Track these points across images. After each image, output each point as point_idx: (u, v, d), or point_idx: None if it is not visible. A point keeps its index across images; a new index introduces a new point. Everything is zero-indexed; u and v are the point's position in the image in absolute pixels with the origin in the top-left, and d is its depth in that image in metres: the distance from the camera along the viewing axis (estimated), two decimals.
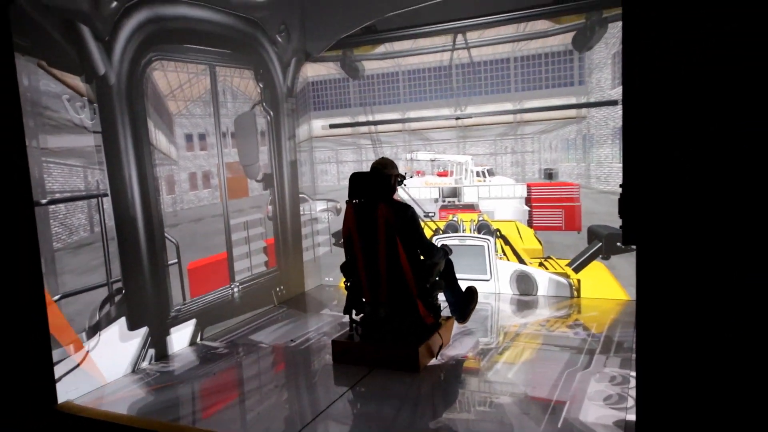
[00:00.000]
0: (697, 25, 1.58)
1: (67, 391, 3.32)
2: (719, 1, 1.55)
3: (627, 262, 4.71)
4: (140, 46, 3.84)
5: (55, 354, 3.27)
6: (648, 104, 1.68)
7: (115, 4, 3.62)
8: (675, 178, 1.66)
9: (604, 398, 3.01)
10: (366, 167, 5.57)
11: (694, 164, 1.63)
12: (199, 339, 4.36)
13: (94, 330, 3.52)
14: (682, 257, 1.69)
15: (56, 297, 3.31)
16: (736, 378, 1.66)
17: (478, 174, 5.34)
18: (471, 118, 5.21)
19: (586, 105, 4.81)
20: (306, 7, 5.53)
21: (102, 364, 3.56)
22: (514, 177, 5.23)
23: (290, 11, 5.39)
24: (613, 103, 4.67)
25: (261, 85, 5.09)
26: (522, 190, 5.16)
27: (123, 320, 3.73)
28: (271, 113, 5.23)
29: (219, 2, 4.51)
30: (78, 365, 3.40)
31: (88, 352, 3.47)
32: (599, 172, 4.84)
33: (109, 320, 3.63)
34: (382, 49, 5.43)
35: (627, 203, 1.76)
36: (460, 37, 5.11)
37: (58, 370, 3.28)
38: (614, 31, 4.59)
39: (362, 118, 5.68)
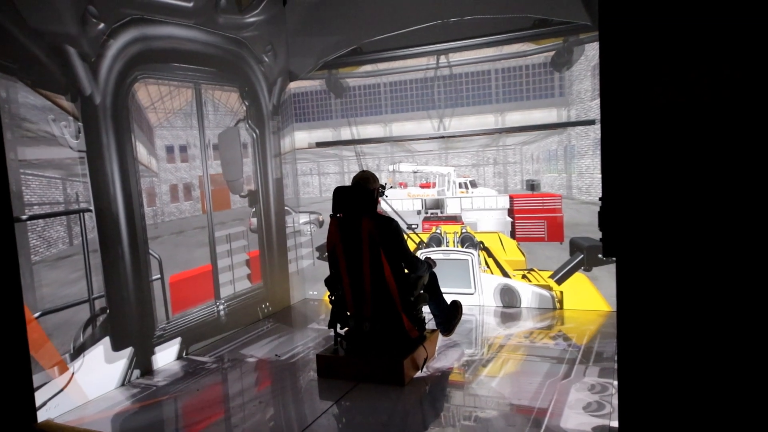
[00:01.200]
0: (672, 42, 1.63)
1: (48, 409, 3.25)
2: (694, 22, 1.59)
3: (609, 273, 4.77)
4: (126, 66, 3.84)
5: (39, 378, 3.21)
6: (625, 119, 1.71)
7: (102, 25, 3.62)
8: (653, 191, 1.70)
9: (585, 406, 3.05)
10: (348, 179, 5.59)
11: (672, 177, 1.67)
12: (184, 354, 4.31)
13: (78, 351, 3.47)
14: (661, 269, 1.73)
15: (36, 314, 3.25)
16: (715, 386, 1.69)
17: (460, 185, 5.38)
18: (452, 137, 5.27)
19: (564, 125, 4.89)
20: (290, 30, 5.56)
21: (87, 386, 3.50)
22: (497, 188, 5.28)
23: (277, 31, 5.42)
24: (591, 122, 4.76)
25: (246, 103, 5.10)
26: (505, 202, 5.21)
27: (107, 340, 3.68)
28: (257, 131, 5.23)
29: (205, 22, 4.52)
30: (62, 389, 3.35)
31: (73, 374, 3.41)
32: (580, 183, 4.91)
33: (93, 340, 3.58)
34: (367, 68, 5.48)
35: (606, 216, 1.79)
36: (443, 56, 5.19)
37: (43, 395, 3.22)
38: (592, 51, 4.68)
39: (345, 130, 5.69)
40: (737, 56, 1.55)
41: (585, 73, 4.75)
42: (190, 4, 4.35)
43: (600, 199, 1.79)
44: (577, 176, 4.91)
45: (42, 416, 3.22)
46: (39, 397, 3.21)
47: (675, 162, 1.66)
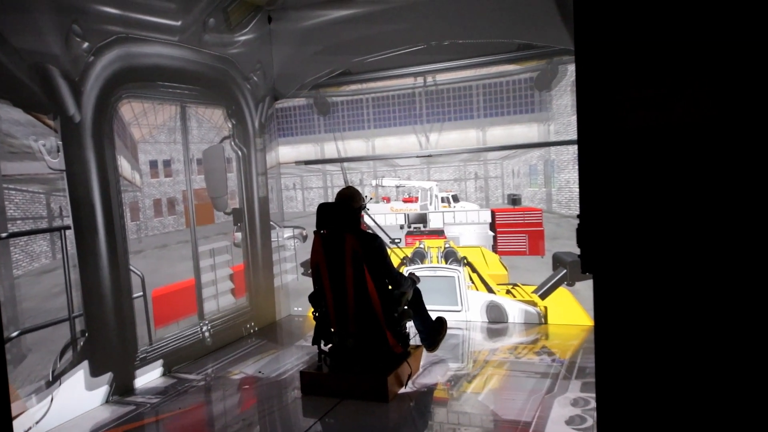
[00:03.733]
0: (646, 64, 1.68)
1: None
2: (667, 45, 1.65)
3: (592, 288, 4.81)
4: (110, 85, 3.81)
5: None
6: (601, 138, 1.76)
7: (86, 44, 3.59)
8: (629, 209, 1.74)
9: (568, 420, 3.08)
10: (332, 193, 5.61)
11: (648, 195, 1.71)
12: (168, 371, 4.26)
13: (55, 378, 3.41)
14: (637, 285, 1.77)
15: (15, 333, 3.21)
16: (691, 399, 1.73)
17: (443, 200, 5.43)
18: (433, 156, 5.33)
19: (547, 144, 4.98)
20: (278, 50, 5.60)
21: (64, 412, 3.44)
22: (479, 202, 5.33)
23: (266, 49, 5.46)
24: (574, 142, 4.85)
25: (233, 122, 5.09)
26: (486, 216, 5.26)
27: (86, 364, 3.62)
28: (243, 149, 5.23)
29: (192, 40, 4.51)
30: (42, 417, 3.30)
31: (52, 400, 3.36)
32: (560, 197, 4.98)
33: (72, 365, 3.51)
34: (352, 87, 5.53)
35: (584, 233, 1.83)
36: (429, 77, 5.27)
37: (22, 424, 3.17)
38: (572, 68, 4.78)
39: (329, 145, 5.72)
40: (710, 78, 1.61)
41: (565, 88, 4.84)
42: (178, 23, 4.35)
43: (578, 216, 1.84)
44: (557, 190, 4.98)
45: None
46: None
47: (650, 180, 1.71)
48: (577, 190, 5.28)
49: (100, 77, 3.74)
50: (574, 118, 4.81)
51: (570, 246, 4.90)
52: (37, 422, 3.27)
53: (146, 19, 4.09)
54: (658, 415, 1.77)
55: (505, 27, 4.86)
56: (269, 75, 5.52)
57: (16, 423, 3.15)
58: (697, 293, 1.69)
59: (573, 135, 4.85)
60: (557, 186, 4.97)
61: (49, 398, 3.35)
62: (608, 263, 1.81)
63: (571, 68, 4.79)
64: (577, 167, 4.81)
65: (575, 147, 4.81)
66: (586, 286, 4.85)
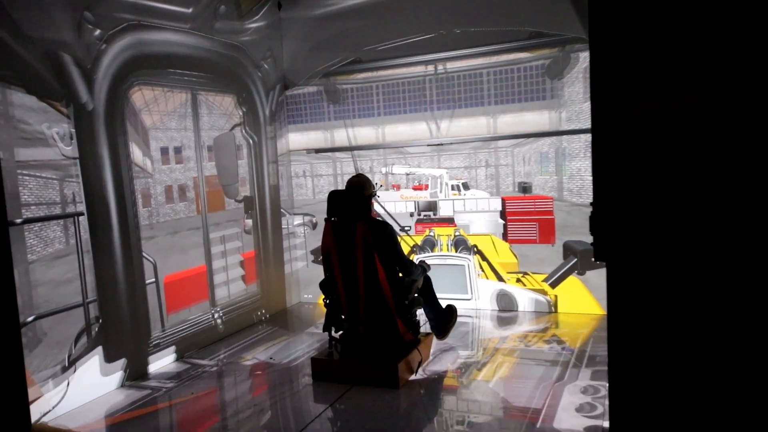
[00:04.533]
0: (661, 51, 1.66)
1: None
2: (682, 31, 1.63)
3: (602, 277, 4.80)
4: (122, 72, 3.82)
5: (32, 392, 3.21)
6: (615, 125, 1.75)
7: (98, 31, 3.59)
8: (643, 197, 1.73)
9: (578, 408, 3.09)
10: (342, 181, 5.61)
11: (662, 183, 1.70)
12: (181, 357, 4.32)
13: (71, 363, 3.46)
14: (650, 273, 1.76)
15: (30, 318, 3.25)
16: (704, 388, 1.72)
17: (453, 187, 5.41)
18: (444, 144, 5.30)
19: (559, 133, 4.94)
20: (289, 38, 5.58)
21: (79, 397, 3.49)
22: (489, 190, 5.31)
23: (277, 37, 5.43)
24: (583, 131, 4.82)
25: (243, 109, 5.09)
26: (497, 204, 5.24)
27: (100, 350, 3.66)
28: (254, 137, 5.23)
29: (203, 28, 4.49)
30: (58, 403, 3.35)
31: (68, 384, 3.41)
32: (572, 185, 4.95)
33: (86, 351, 3.56)
34: (363, 75, 5.51)
35: (597, 221, 1.82)
36: (440, 65, 5.23)
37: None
38: (584, 54, 4.72)
39: (339, 132, 5.71)
40: (725, 64, 1.59)
41: (577, 75, 4.79)
42: (189, 10, 4.33)
43: (591, 203, 1.83)
44: (569, 178, 4.95)
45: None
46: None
47: (664, 167, 1.70)
48: (589, 178, 5.24)
49: (112, 65, 3.74)
50: (586, 105, 4.77)
51: (581, 234, 4.88)
52: (53, 407, 3.32)
53: (157, 6, 4.08)
54: (670, 404, 1.77)
55: (516, 15, 4.81)
56: (279, 63, 5.50)
57: (33, 407, 3.20)
58: (712, 282, 1.68)
59: (584, 123, 4.82)
60: (568, 174, 4.94)
61: (65, 383, 3.40)
62: (622, 251, 1.80)
63: (583, 56, 4.74)
64: (588, 155, 4.80)
65: (587, 135, 4.77)
66: (597, 275, 4.84)
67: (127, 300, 3.87)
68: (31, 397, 3.20)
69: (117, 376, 3.77)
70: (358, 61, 5.43)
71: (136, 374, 3.90)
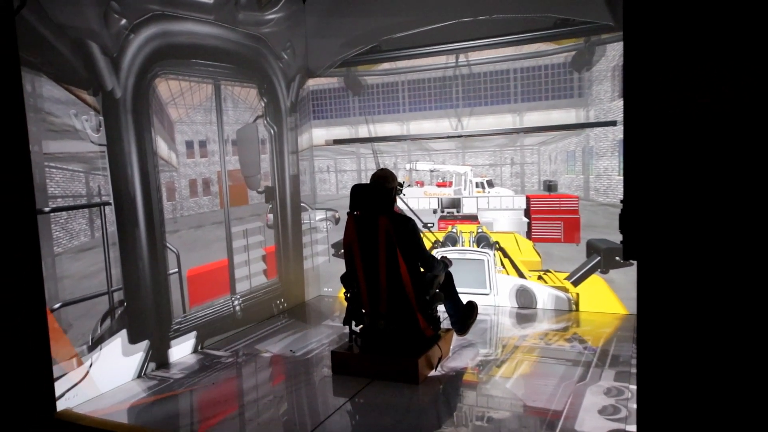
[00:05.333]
0: (696, 43, 1.61)
1: (67, 399, 3.32)
2: (718, 23, 1.57)
3: (626, 276, 4.73)
4: (147, 61, 3.88)
5: (56, 369, 3.27)
6: (649, 119, 1.70)
7: (124, 21, 3.65)
8: (676, 193, 1.68)
9: (600, 410, 3.03)
10: (366, 177, 5.60)
11: (696, 179, 1.65)
12: (200, 348, 4.36)
13: (96, 343, 3.53)
14: (683, 272, 1.71)
15: (57, 305, 3.31)
16: (738, 396, 1.67)
17: (477, 185, 5.36)
18: (469, 137, 5.25)
19: (585, 125, 4.86)
20: (309, 27, 5.58)
21: (103, 378, 3.56)
22: (514, 188, 5.25)
23: (297, 28, 5.44)
24: (612, 123, 4.72)
25: (265, 100, 5.12)
26: (521, 202, 5.18)
27: (124, 333, 3.73)
28: (275, 128, 5.26)
29: (225, 18, 4.53)
30: (79, 381, 3.40)
31: (91, 365, 3.47)
32: (599, 185, 4.87)
33: (111, 333, 3.63)
34: (385, 65, 5.48)
35: (627, 218, 1.77)
36: (462, 55, 5.17)
37: (60, 386, 3.29)
38: (613, 52, 4.63)
39: (363, 128, 5.70)
40: (763, 57, 1.53)
41: (605, 73, 4.71)
42: (211, 1, 4.37)
43: (621, 201, 1.78)
44: (595, 178, 4.87)
45: (61, 406, 3.27)
46: (58, 387, 3.28)
47: (699, 164, 1.64)
48: (617, 177, 5.14)
49: (138, 54, 3.79)
50: (614, 104, 4.68)
51: (606, 234, 4.80)
52: (75, 384, 3.38)
53: None
54: (702, 411, 1.72)
55: (542, 0, 4.73)
56: (299, 54, 5.51)
57: (57, 384, 3.27)
58: (749, 284, 1.62)
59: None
60: (595, 173, 4.86)
61: (89, 363, 3.47)
62: (653, 250, 1.75)
63: (609, 48, 4.65)
64: (616, 154, 4.71)
65: (615, 134, 4.68)
66: (622, 274, 4.75)
67: (152, 286, 3.93)
68: (63, 372, 3.27)
69: (139, 357, 3.83)
70: (378, 50, 5.40)
71: (157, 356, 3.97)
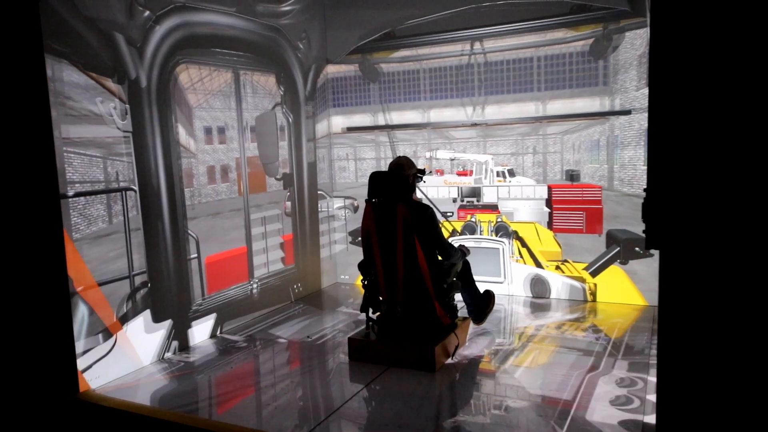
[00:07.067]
0: (725, 32, 1.55)
1: (92, 379, 3.40)
2: (746, 11, 1.52)
3: (648, 267, 4.64)
4: (169, 51, 3.97)
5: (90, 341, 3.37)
6: (674, 108, 1.65)
7: (148, 12, 3.75)
8: (700, 183, 1.64)
9: (614, 400, 3.01)
10: (385, 165, 5.57)
11: (721, 168, 1.60)
12: (219, 332, 4.41)
13: (121, 320, 3.63)
14: (706, 263, 1.67)
15: (80, 288, 3.36)
16: (761, 389, 1.63)
17: (498, 174, 5.31)
18: (484, 125, 5.20)
19: (599, 114, 4.77)
20: (327, 15, 5.57)
21: (129, 354, 3.66)
22: (536, 178, 5.18)
23: (311, 20, 5.48)
24: (627, 112, 4.63)
25: (282, 88, 5.15)
26: (543, 191, 5.12)
27: (147, 313, 3.82)
28: (292, 116, 5.29)
29: (244, 10, 4.61)
30: (106, 354, 3.51)
31: (115, 342, 3.57)
32: (623, 175, 4.78)
33: (135, 312, 3.72)
34: (401, 53, 5.44)
35: (651, 207, 1.73)
36: (477, 42, 5.11)
37: (88, 359, 3.40)
38: (639, 41, 4.52)
39: (382, 115, 5.67)
40: None
41: (631, 62, 4.60)
42: None
43: (644, 190, 1.74)
44: (620, 167, 4.77)
45: (89, 378, 3.37)
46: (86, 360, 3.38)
47: (724, 153, 1.60)
48: (642, 167, 5.05)
49: (161, 44, 3.88)
50: (640, 92, 4.57)
51: (630, 225, 4.72)
52: (98, 360, 3.46)
53: None
54: (722, 403, 1.68)
55: None
56: (314, 44, 5.53)
57: (82, 360, 3.35)
58: None
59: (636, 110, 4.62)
60: (620, 163, 4.76)
61: (113, 339, 3.55)
62: (676, 240, 1.71)
63: (630, 35, 4.54)
64: (642, 144, 4.61)
65: (640, 123, 4.58)
66: (643, 265, 4.67)
67: (174, 268, 4.02)
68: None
69: (161, 335, 3.91)
70: (392, 36, 5.36)
71: (179, 336, 4.05)
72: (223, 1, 4.39)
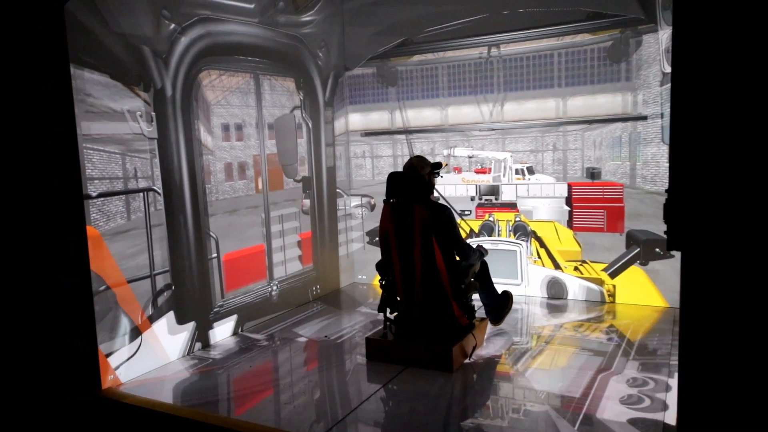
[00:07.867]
0: (748, 31, 1.51)
1: (119, 373, 3.48)
2: None
3: (670, 268, 4.55)
4: (193, 60, 4.08)
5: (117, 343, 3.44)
6: (697, 107, 1.62)
7: (173, 25, 3.86)
8: (724, 183, 1.60)
9: (622, 399, 3.00)
10: (402, 162, 5.55)
11: (745, 168, 1.56)
12: (240, 330, 4.46)
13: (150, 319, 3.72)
14: (729, 265, 1.63)
15: (102, 287, 3.41)
16: None
17: (517, 171, 5.25)
18: (495, 129, 5.18)
19: (612, 120, 4.72)
20: (345, 23, 5.61)
21: (155, 354, 3.74)
22: (555, 175, 5.12)
23: (330, 30, 5.53)
24: (642, 118, 4.56)
25: (302, 94, 5.19)
26: (563, 190, 5.05)
27: (171, 314, 3.88)
28: (311, 121, 5.33)
29: (265, 21, 4.71)
30: (134, 354, 3.58)
31: (141, 342, 3.64)
32: (646, 172, 4.69)
33: (159, 314, 3.80)
34: (418, 58, 5.44)
35: (672, 208, 1.70)
36: (494, 48, 5.10)
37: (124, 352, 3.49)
38: (664, 36, 4.44)
39: (399, 113, 5.65)
40: None
41: (654, 57, 4.51)
42: (252, 6, 4.58)
43: (666, 190, 1.70)
44: (642, 165, 4.69)
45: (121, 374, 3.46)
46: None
47: (747, 154, 1.55)
48: (665, 164, 4.94)
49: (186, 55, 4.00)
50: (664, 88, 4.48)
51: (652, 224, 4.63)
52: (125, 360, 3.53)
53: (224, 2, 4.33)
54: (745, 408, 1.64)
55: None
56: (333, 53, 5.58)
57: (111, 359, 3.43)
58: None
59: (661, 107, 4.54)
60: (642, 160, 4.68)
61: (139, 340, 3.62)
62: (698, 241, 1.67)
63: (645, 38, 4.50)
64: (665, 140, 4.52)
65: (664, 119, 4.49)
66: (665, 266, 4.58)
67: (197, 270, 4.09)
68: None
69: (184, 336, 3.97)
70: (408, 43, 5.37)
71: (202, 337, 4.12)
72: (244, 14, 4.52)
